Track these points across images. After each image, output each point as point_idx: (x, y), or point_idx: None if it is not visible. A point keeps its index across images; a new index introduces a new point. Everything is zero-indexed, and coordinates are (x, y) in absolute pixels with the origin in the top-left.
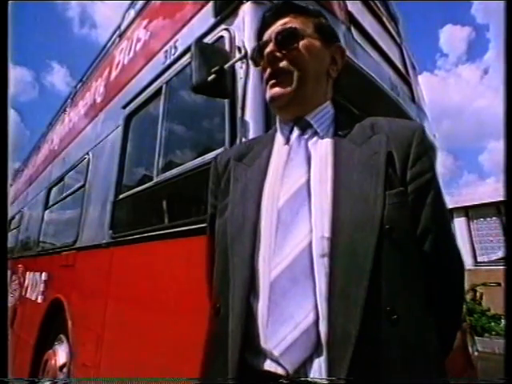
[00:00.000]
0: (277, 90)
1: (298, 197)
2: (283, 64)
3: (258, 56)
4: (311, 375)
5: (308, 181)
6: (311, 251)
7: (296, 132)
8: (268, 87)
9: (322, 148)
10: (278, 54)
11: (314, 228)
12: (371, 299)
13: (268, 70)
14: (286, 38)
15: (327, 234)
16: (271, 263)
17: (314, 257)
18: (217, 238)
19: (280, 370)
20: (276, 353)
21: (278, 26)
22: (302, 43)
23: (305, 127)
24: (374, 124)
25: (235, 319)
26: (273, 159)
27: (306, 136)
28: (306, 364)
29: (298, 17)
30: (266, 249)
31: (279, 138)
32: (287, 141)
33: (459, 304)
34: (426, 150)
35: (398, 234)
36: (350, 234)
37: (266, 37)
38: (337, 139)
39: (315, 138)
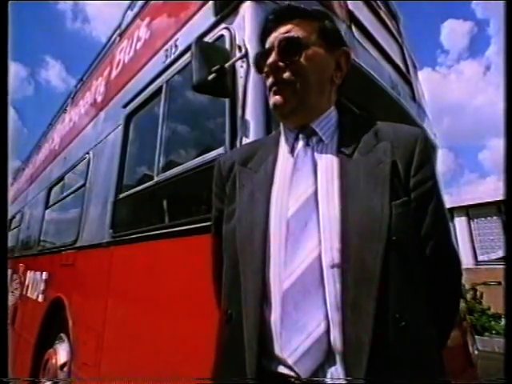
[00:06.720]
0: (279, 98)
1: (306, 208)
2: (286, 75)
3: (260, 63)
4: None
5: (315, 192)
6: (321, 262)
7: (301, 140)
8: (271, 94)
9: (328, 157)
10: (280, 64)
11: (322, 239)
12: (381, 308)
13: (271, 79)
14: (289, 48)
15: (336, 245)
16: (282, 274)
17: (324, 268)
18: (224, 244)
19: (294, 375)
20: (290, 361)
21: (280, 33)
22: (305, 53)
23: (310, 135)
24: (378, 131)
25: (250, 328)
26: (278, 166)
27: (311, 144)
28: (319, 372)
29: (301, 23)
30: (276, 260)
31: (284, 145)
32: (292, 148)
33: (457, 302)
34: (428, 158)
35: (404, 243)
36: (358, 244)
37: (268, 44)
38: (342, 148)
39: (320, 146)
